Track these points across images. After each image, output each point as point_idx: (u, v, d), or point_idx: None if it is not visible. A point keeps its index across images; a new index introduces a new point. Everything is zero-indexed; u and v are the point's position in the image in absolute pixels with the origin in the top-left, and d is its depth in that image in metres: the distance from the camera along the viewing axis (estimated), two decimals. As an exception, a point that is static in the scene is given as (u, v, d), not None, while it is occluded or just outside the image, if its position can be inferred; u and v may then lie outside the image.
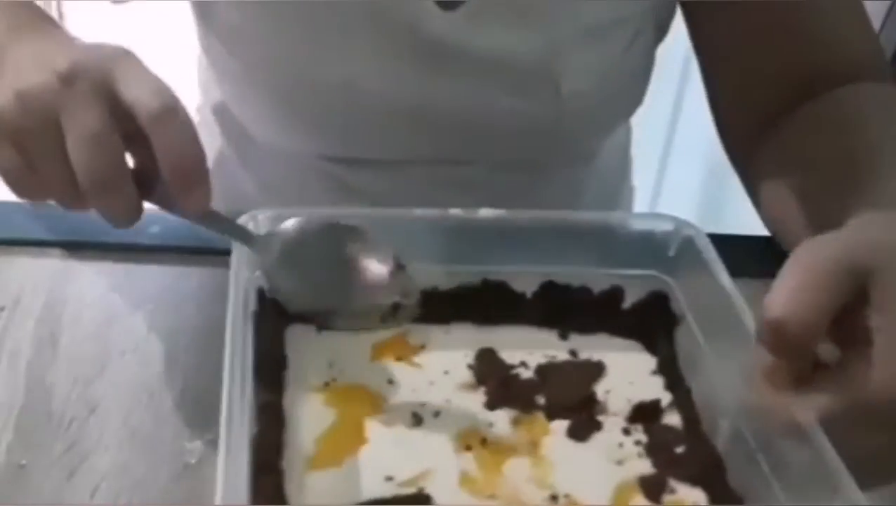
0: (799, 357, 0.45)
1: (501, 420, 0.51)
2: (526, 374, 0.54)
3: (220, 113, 0.80)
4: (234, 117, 0.78)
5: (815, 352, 0.45)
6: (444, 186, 0.75)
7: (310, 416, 0.50)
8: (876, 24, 1.35)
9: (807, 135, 0.68)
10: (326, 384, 0.52)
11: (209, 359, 0.56)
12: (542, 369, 0.54)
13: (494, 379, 0.53)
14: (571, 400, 0.53)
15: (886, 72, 0.72)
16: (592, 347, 0.56)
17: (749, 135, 0.72)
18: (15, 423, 0.54)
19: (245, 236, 0.52)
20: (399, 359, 0.55)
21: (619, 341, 0.57)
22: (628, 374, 0.55)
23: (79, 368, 0.57)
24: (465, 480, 0.48)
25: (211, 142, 0.80)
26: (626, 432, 0.51)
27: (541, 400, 0.53)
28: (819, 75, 0.69)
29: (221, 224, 0.52)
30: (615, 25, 0.70)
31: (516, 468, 0.49)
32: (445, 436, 0.50)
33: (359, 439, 0.50)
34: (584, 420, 0.52)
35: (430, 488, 0.47)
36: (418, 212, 0.55)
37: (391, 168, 0.75)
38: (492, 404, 0.52)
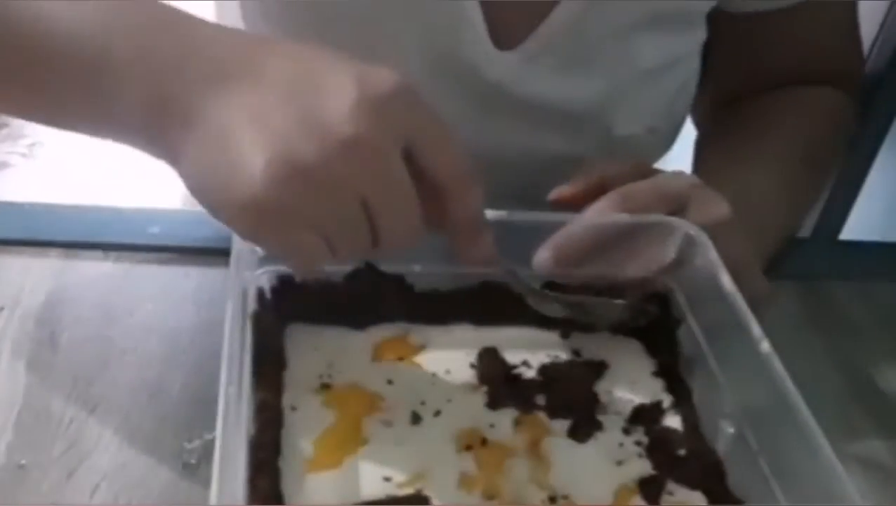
0: None
1: (503, 420, 0.51)
2: (528, 373, 0.54)
3: None
4: None
5: None
6: None
7: (308, 416, 0.50)
8: (875, 24, 1.34)
9: (745, 115, 0.75)
10: (325, 385, 0.52)
11: (209, 359, 0.56)
12: (544, 369, 0.54)
13: (496, 378, 0.53)
14: (573, 400, 0.53)
15: (857, 84, 0.80)
16: (594, 347, 0.56)
17: (712, 108, 0.79)
18: (15, 423, 0.54)
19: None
20: (400, 359, 0.55)
21: (620, 342, 0.57)
22: (630, 375, 0.55)
23: (79, 369, 0.57)
24: (464, 480, 0.48)
25: None
26: (627, 432, 0.51)
27: (542, 400, 0.53)
28: (792, 75, 0.74)
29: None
30: (669, 67, 0.71)
31: (516, 469, 0.49)
32: (445, 436, 0.50)
33: (357, 439, 0.50)
34: (586, 420, 0.52)
35: (429, 489, 0.47)
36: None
37: None
38: (493, 404, 0.52)
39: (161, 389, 0.56)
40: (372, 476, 0.48)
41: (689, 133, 0.81)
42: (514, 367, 0.54)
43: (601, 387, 0.54)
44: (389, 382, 0.53)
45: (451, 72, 0.67)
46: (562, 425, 0.51)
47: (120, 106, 0.45)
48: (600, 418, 0.52)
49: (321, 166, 0.41)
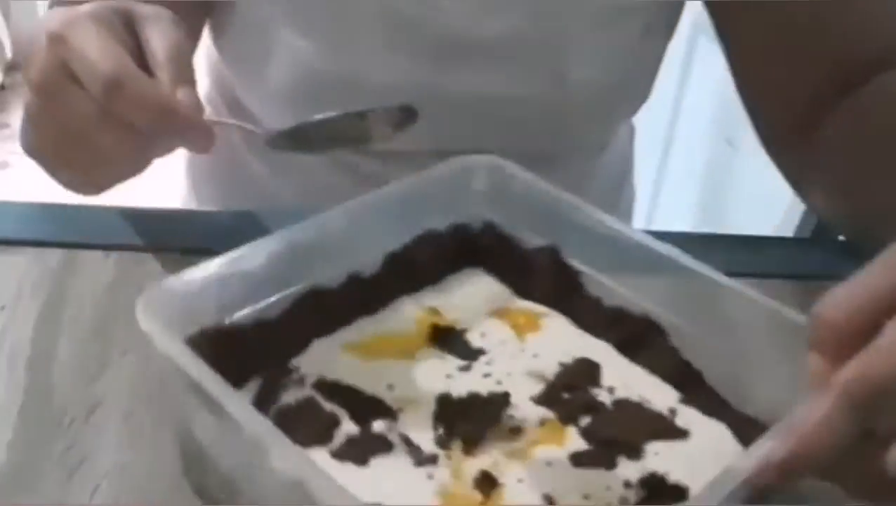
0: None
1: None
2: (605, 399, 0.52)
3: (231, 102, 0.81)
4: (245, 108, 0.78)
5: None
6: None
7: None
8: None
9: (856, 123, 0.64)
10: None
11: (209, 359, 0.56)
12: (620, 404, 0.52)
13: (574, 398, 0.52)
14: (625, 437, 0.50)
15: None
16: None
17: (790, 134, 0.68)
18: (15, 423, 0.53)
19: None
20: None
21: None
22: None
23: (79, 368, 0.57)
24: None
25: (221, 131, 0.81)
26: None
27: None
28: (858, 65, 0.65)
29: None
30: (623, 14, 0.70)
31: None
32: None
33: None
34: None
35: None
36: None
37: (401, 157, 0.75)
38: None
39: (161, 389, 0.56)
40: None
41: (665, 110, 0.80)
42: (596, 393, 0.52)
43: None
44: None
45: (403, 23, 0.67)
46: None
47: None
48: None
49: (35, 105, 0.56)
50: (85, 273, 0.64)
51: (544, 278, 0.58)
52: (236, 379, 0.50)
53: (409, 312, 0.57)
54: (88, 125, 0.53)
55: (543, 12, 0.68)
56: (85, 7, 0.54)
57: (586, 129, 0.77)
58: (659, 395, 0.52)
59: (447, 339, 0.55)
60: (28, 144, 0.61)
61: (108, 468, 0.51)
